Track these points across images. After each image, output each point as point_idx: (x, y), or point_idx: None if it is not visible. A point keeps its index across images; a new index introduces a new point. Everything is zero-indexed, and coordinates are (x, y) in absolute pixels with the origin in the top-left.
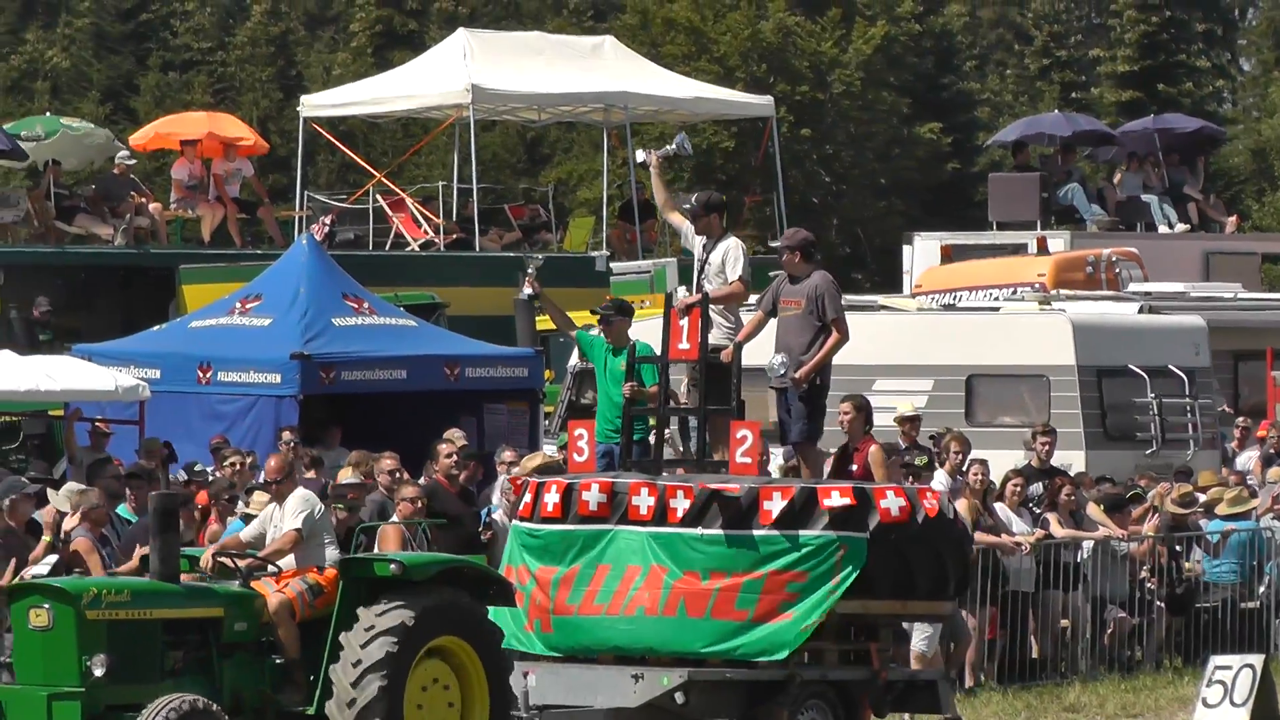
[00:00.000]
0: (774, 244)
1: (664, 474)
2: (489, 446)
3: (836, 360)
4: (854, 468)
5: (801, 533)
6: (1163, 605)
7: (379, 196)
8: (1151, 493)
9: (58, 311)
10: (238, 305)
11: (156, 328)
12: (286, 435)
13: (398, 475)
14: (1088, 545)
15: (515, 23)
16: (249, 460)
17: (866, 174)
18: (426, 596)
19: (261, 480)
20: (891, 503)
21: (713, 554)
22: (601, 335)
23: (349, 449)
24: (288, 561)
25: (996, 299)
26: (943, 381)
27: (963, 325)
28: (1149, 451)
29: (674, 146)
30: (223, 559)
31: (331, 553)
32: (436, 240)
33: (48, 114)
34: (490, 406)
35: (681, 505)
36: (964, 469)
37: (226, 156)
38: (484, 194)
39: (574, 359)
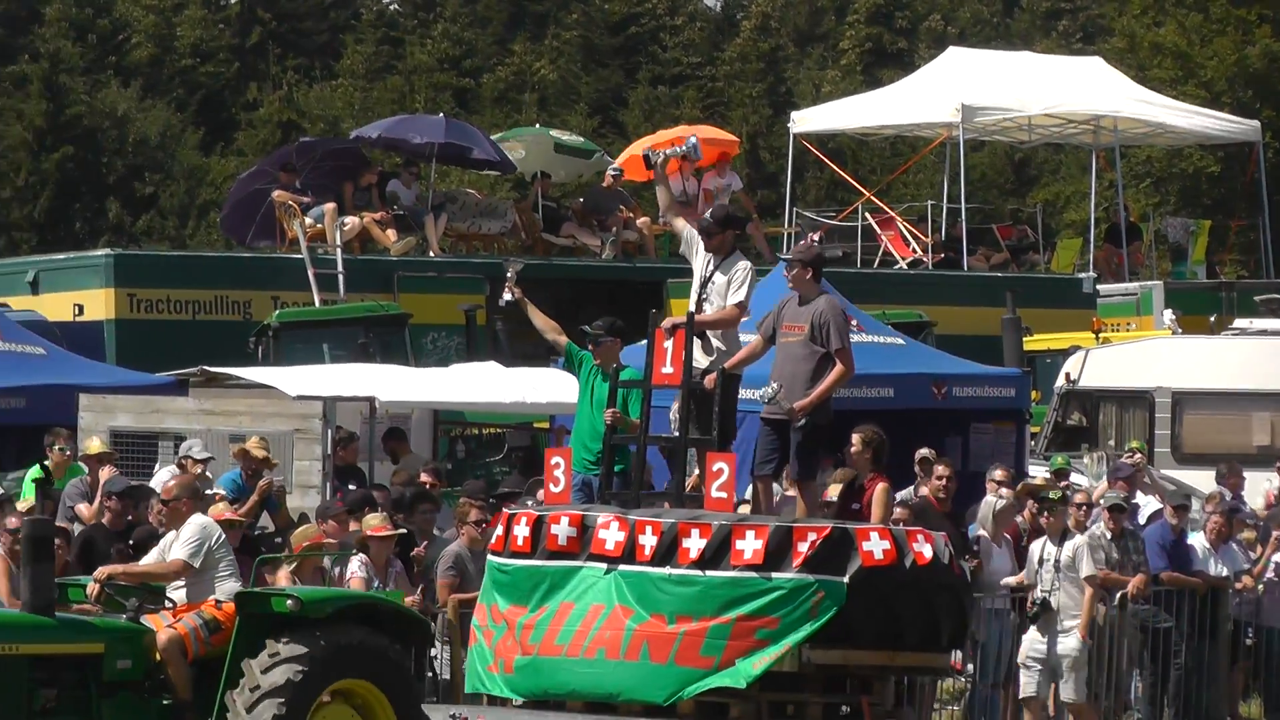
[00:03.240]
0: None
1: (638, 508)
2: (974, 466)
3: None
4: (857, 506)
5: (775, 575)
6: None
7: (868, 214)
8: None
9: None
10: None
11: (643, 342)
12: None
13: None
14: None
15: (1004, 43)
16: None
17: None
18: (329, 635)
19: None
20: (875, 545)
21: (680, 595)
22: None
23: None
24: (181, 595)
25: None
26: None
27: None
28: None
29: (684, 149)
30: (110, 589)
31: (231, 585)
32: (924, 259)
33: (536, 126)
34: (977, 426)
35: (650, 542)
36: None
37: (718, 172)
38: (972, 214)
39: (1060, 380)
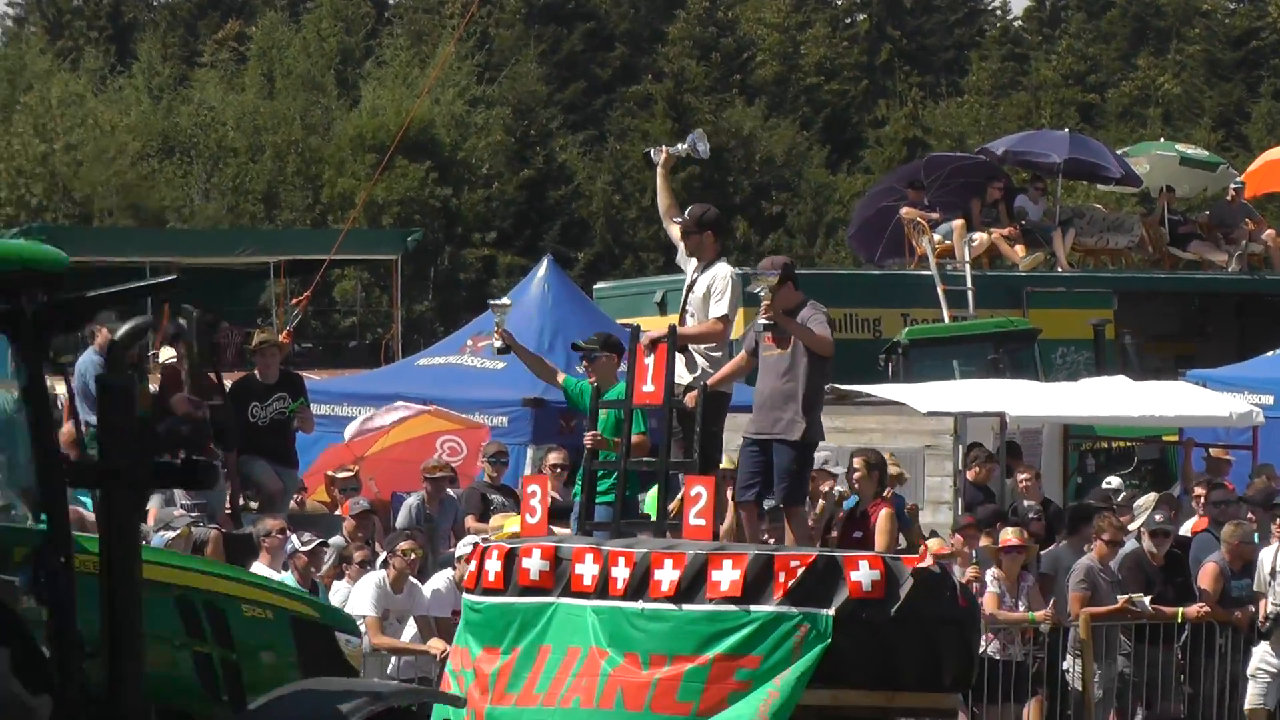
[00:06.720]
0: None
1: (618, 538)
2: None
3: None
4: (860, 534)
5: (753, 608)
6: None
7: None
8: None
9: (1172, 337)
10: None
11: (1271, 354)
12: None
13: None
14: None
15: None
16: None
17: None
18: None
19: None
20: (864, 575)
21: (654, 632)
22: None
23: None
24: None
25: None
26: None
27: None
28: None
29: (685, 146)
30: None
31: None
32: None
33: (1161, 140)
34: None
35: (622, 574)
36: None
37: None
38: None
39: None
